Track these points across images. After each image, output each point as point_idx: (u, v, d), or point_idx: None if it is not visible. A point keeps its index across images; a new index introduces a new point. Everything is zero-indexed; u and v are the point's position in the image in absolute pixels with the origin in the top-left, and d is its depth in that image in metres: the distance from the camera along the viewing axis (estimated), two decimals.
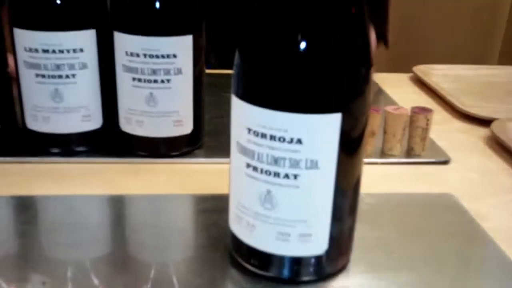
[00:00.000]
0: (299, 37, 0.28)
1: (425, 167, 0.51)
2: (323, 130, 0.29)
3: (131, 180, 0.47)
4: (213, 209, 0.41)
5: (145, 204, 0.43)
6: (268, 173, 0.30)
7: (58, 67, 0.45)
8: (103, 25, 0.46)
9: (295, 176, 0.30)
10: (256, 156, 0.30)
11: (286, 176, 0.30)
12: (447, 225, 0.40)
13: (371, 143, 0.50)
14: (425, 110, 0.50)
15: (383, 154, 0.51)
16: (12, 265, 0.35)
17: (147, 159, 0.49)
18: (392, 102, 0.66)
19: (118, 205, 0.43)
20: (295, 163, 0.30)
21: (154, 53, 0.45)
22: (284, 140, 0.29)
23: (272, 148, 0.30)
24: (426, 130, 0.50)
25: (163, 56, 0.45)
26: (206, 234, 0.39)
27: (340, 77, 0.29)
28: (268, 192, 0.31)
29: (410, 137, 0.51)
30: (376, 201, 0.43)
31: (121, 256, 0.36)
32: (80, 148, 0.49)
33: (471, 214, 0.42)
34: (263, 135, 0.30)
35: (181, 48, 0.45)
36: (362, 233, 0.38)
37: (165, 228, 0.40)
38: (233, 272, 0.34)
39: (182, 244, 0.38)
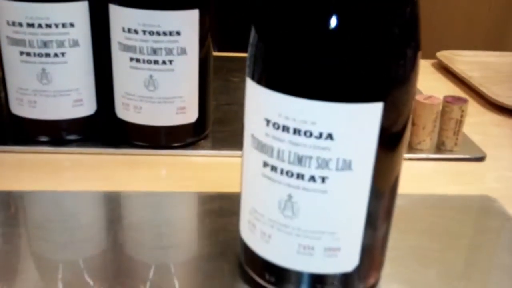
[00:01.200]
0: (333, 8, 0.23)
1: (458, 164, 0.45)
2: (360, 123, 0.24)
3: (128, 174, 0.41)
4: (221, 210, 0.36)
5: (143, 202, 0.38)
6: (290, 174, 0.25)
7: (45, 44, 0.40)
8: None
9: (323, 179, 0.25)
10: (275, 154, 0.25)
11: (312, 178, 0.25)
12: (489, 232, 0.35)
13: None
14: (460, 100, 0.45)
15: (410, 148, 0.46)
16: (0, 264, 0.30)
17: (146, 151, 0.44)
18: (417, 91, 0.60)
19: (113, 203, 0.38)
20: (323, 163, 0.24)
21: (155, 29, 0.39)
22: (311, 134, 0.24)
23: (296, 144, 0.24)
24: (460, 122, 0.45)
25: (165, 34, 0.39)
26: (213, 241, 0.33)
27: (384, 58, 0.23)
28: (289, 197, 0.25)
29: (442, 130, 0.45)
30: (406, 203, 0.38)
31: (116, 255, 0.31)
32: (71, 137, 0.44)
33: None
34: (285, 128, 0.24)
35: (185, 24, 0.40)
36: (393, 243, 0.33)
37: (165, 232, 0.34)
38: (241, 286, 0.29)
39: (184, 252, 0.33)
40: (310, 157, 0.24)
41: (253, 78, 0.25)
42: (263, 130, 0.25)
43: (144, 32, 0.39)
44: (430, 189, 0.41)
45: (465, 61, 0.70)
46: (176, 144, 0.44)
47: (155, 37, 0.39)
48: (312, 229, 0.26)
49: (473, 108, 0.58)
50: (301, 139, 0.24)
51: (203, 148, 0.45)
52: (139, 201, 0.38)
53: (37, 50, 0.40)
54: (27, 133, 0.44)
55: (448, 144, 0.46)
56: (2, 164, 0.42)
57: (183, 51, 0.41)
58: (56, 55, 0.40)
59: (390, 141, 0.25)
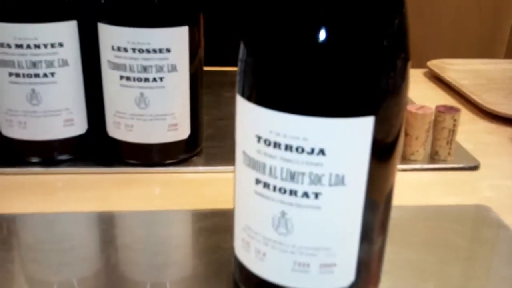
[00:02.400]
0: (322, 23, 0.22)
1: (452, 173, 0.45)
2: (351, 137, 0.23)
3: (121, 193, 0.41)
4: (215, 228, 0.36)
5: (137, 222, 0.37)
6: (282, 191, 0.25)
7: (34, 64, 0.40)
8: (86, 16, 0.40)
9: (316, 195, 0.24)
10: (267, 171, 0.25)
11: (305, 195, 0.24)
12: (485, 243, 0.35)
13: None
14: (452, 109, 0.45)
15: (404, 159, 0.46)
16: None
17: (139, 169, 0.43)
18: (409, 101, 0.61)
19: (107, 223, 0.38)
20: (316, 179, 0.24)
21: (144, 47, 0.39)
22: (303, 150, 0.24)
23: (288, 160, 0.24)
24: (453, 132, 0.45)
25: (154, 51, 0.39)
26: (207, 259, 0.33)
27: (373, 73, 0.23)
28: (283, 214, 0.25)
29: (435, 139, 0.45)
30: (402, 215, 0.38)
31: (110, 275, 0.31)
32: (63, 157, 0.44)
33: (510, 227, 0.36)
34: (277, 145, 0.24)
35: (175, 41, 0.40)
36: (389, 256, 0.33)
37: (160, 251, 0.34)
38: None
39: (179, 271, 0.32)
40: (303, 173, 0.24)
41: (242, 94, 0.25)
42: (254, 147, 0.25)
43: (133, 50, 0.39)
44: (425, 200, 0.41)
45: (456, 69, 0.71)
46: (169, 161, 0.44)
47: (145, 55, 0.39)
48: (307, 246, 0.25)
49: (466, 117, 0.58)
50: (293, 155, 0.24)
51: (196, 164, 0.45)
52: (133, 221, 0.37)
53: (26, 71, 0.40)
54: (18, 154, 0.43)
55: (441, 154, 0.46)
56: None
57: (173, 68, 0.40)
58: (45, 75, 0.40)
59: (383, 154, 0.25)
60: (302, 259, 0.26)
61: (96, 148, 0.44)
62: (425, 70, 0.73)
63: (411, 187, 0.43)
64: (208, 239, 0.35)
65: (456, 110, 0.45)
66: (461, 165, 0.45)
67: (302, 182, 0.24)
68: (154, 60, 0.40)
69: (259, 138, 0.25)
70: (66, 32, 0.40)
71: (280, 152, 0.24)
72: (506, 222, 0.37)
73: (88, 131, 0.44)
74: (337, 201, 0.25)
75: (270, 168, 0.25)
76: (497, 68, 0.73)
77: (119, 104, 0.41)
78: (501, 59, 1.19)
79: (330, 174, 0.24)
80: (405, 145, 0.46)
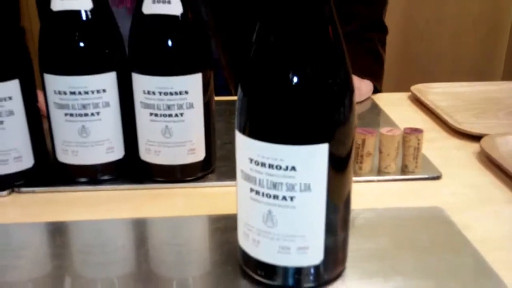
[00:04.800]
0: (288, 88, 0.33)
1: (418, 183, 0.55)
2: (313, 158, 0.34)
3: (151, 204, 0.52)
4: (224, 228, 0.46)
5: (164, 226, 0.48)
6: (268, 196, 0.35)
7: (84, 106, 0.51)
8: (123, 68, 0.52)
9: (292, 198, 0.35)
10: (257, 182, 0.36)
11: (284, 198, 0.35)
12: (434, 236, 0.45)
13: (368, 162, 0.55)
14: (416, 131, 0.55)
15: (380, 172, 0.56)
16: (49, 283, 0.40)
17: (165, 185, 0.55)
18: (390, 122, 0.71)
19: (140, 228, 0.48)
20: (291, 187, 0.35)
21: (168, 90, 0.51)
22: (280, 168, 0.34)
23: (271, 175, 0.35)
24: (417, 149, 0.55)
25: (176, 93, 0.51)
26: (219, 251, 0.44)
27: (324, 116, 0.34)
28: (269, 212, 0.36)
29: (404, 155, 0.56)
30: (372, 216, 0.48)
31: (144, 273, 0.41)
32: (105, 177, 0.55)
33: (457, 225, 0.46)
34: (263, 164, 0.35)
35: (191, 85, 0.51)
36: (358, 245, 0.43)
37: (183, 246, 0.45)
38: (244, 283, 0.39)
39: (198, 261, 0.43)
40: (281, 183, 0.35)
41: (239, 129, 0.36)
42: (248, 166, 0.36)
43: (160, 93, 0.51)
44: (395, 204, 0.51)
45: (437, 92, 0.81)
46: (189, 178, 0.55)
47: (168, 96, 0.51)
48: (287, 234, 0.36)
49: (439, 134, 0.68)
50: (274, 171, 0.35)
51: (210, 180, 0.55)
52: (161, 225, 0.48)
53: (78, 111, 0.51)
54: (70, 176, 0.55)
55: (410, 167, 0.56)
56: (51, 201, 0.53)
57: (191, 106, 0.52)
58: (92, 114, 0.52)
59: (338, 168, 0.36)
60: (284, 244, 0.36)
61: (131, 169, 0.56)
62: (410, 93, 0.83)
63: (384, 194, 0.53)
64: (220, 236, 0.45)
65: (420, 131, 0.55)
66: (426, 176, 0.56)
67: (281, 189, 0.35)
68: (175, 100, 0.51)
69: (251, 159, 0.35)
70: (108, 81, 0.52)
71: (265, 169, 0.35)
72: (454, 220, 0.47)
73: (125, 156, 0.55)
74: (307, 202, 0.35)
75: (259, 180, 0.35)
76: (474, 90, 0.83)
77: (149, 134, 0.53)
78: (497, 81, 1.28)
79: (300, 184, 0.35)
80: (379, 160, 0.56)
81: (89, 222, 0.49)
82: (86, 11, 0.50)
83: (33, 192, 0.54)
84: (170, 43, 0.50)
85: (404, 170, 0.56)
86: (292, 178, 0.35)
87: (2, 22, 0.50)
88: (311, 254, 0.37)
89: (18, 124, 0.52)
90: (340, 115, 0.35)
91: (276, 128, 0.34)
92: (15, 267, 0.42)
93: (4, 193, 0.53)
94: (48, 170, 0.56)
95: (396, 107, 0.78)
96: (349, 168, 0.37)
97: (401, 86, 0.86)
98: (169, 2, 0.49)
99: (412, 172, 0.56)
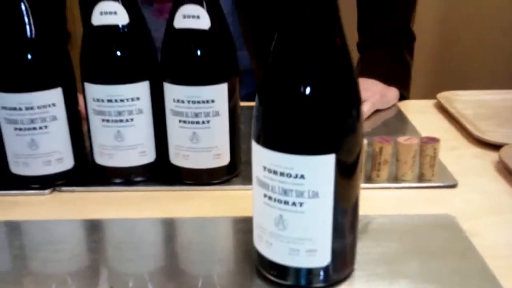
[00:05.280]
0: (297, 102, 0.37)
1: (434, 190, 0.57)
2: (320, 168, 0.37)
3: (180, 204, 0.56)
4: (246, 229, 0.50)
5: (191, 226, 0.52)
6: (279, 201, 0.39)
7: (119, 113, 0.56)
8: (155, 77, 0.56)
9: (301, 204, 0.38)
10: (270, 188, 0.39)
11: (294, 204, 0.38)
12: (442, 242, 0.47)
13: (385, 170, 0.58)
14: (433, 140, 0.57)
15: (397, 179, 0.58)
16: (85, 275, 0.45)
17: (193, 187, 0.58)
18: (413, 130, 0.73)
19: (169, 226, 0.53)
20: (300, 194, 0.38)
21: (196, 99, 0.54)
22: (290, 176, 0.38)
23: (282, 182, 0.38)
24: (434, 158, 0.57)
25: (203, 102, 0.54)
26: (239, 250, 0.47)
27: (329, 129, 0.37)
28: (281, 216, 0.39)
29: (421, 164, 0.58)
30: (385, 221, 0.50)
31: (172, 269, 0.45)
32: (138, 179, 0.59)
33: (466, 232, 0.48)
34: (275, 172, 0.38)
35: (217, 94, 0.55)
36: (368, 249, 0.46)
37: (208, 245, 0.48)
38: (259, 282, 0.43)
39: (220, 259, 0.47)
40: (291, 190, 0.38)
41: (255, 139, 0.40)
42: (262, 173, 0.39)
43: (188, 101, 0.55)
44: (409, 211, 0.53)
45: (463, 100, 0.82)
46: (214, 181, 0.59)
47: (196, 105, 0.55)
48: (297, 237, 0.39)
49: (460, 143, 0.69)
50: (285, 179, 0.38)
51: (235, 183, 0.59)
52: (189, 224, 0.52)
53: (113, 118, 0.56)
54: (106, 177, 0.60)
55: (426, 175, 0.58)
56: (88, 199, 0.57)
57: (217, 113, 0.55)
58: (127, 120, 0.56)
59: (345, 177, 0.39)
60: (294, 246, 0.39)
61: (162, 172, 0.60)
62: (436, 101, 0.84)
63: (400, 201, 0.55)
64: (242, 237, 0.49)
65: (436, 140, 0.57)
66: (441, 184, 0.57)
67: (291, 196, 0.38)
68: (203, 108, 0.55)
69: (264, 167, 0.39)
70: (141, 89, 0.56)
71: (277, 177, 0.38)
72: (464, 227, 0.49)
73: (156, 159, 0.59)
74: (315, 208, 0.38)
75: (271, 187, 0.39)
76: (500, 98, 0.83)
77: (178, 140, 0.57)
78: None
79: (309, 191, 0.38)
80: (397, 168, 0.58)
81: (122, 220, 0.53)
82: (123, 26, 0.55)
83: (73, 191, 0.59)
84: (198, 55, 0.54)
85: (421, 178, 0.58)
86: (301, 186, 0.38)
87: (48, 33, 0.55)
88: (320, 256, 0.40)
89: (60, 129, 0.57)
90: (345, 128, 0.38)
91: (286, 139, 0.37)
92: (54, 260, 0.46)
93: (47, 191, 0.58)
94: (87, 171, 0.61)
95: (421, 114, 0.79)
96: (356, 175, 0.40)
97: (436, 91, 0.86)
98: (198, 17, 0.53)
99: (429, 180, 0.58)
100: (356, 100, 0.38)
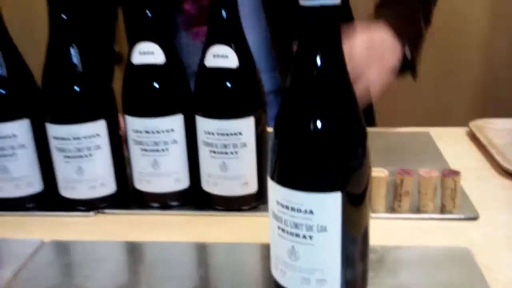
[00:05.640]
0: (304, 144, 0.40)
1: (454, 222, 0.58)
2: (328, 204, 0.40)
3: (211, 229, 0.60)
4: (269, 255, 0.53)
5: (221, 250, 0.56)
6: (291, 234, 0.42)
7: (156, 143, 0.61)
8: (188, 111, 0.61)
9: (310, 237, 0.41)
10: (283, 221, 0.42)
11: (304, 236, 0.41)
12: (454, 275, 0.49)
13: (406, 201, 0.60)
14: (453, 173, 0.59)
15: (418, 210, 0.60)
16: None
17: (223, 212, 0.62)
18: (440, 159, 0.74)
19: (201, 250, 0.57)
20: (309, 228, 0.41)
21: (224, 132, 0.59)
22: (300, 211, 0.41)
23: (293, 216, 0.41)
24: (454, 190, 0.58)
25: (231, 134, 0.59)
26: (262, 276, 0.51)
27: (335, 169, 0.40)
28: (293, 247, 0.42)
29: (442, 195, 0.59)
30: (401, 252, 0.53)
31: None
32: (173, 203, 0.64)
33: (480, 266, 0.50)
34: (287, 207, 0.41)
35: (245, 127, 0.59)
36: (380, 279, 0.48)
37: (236, 269, 0.52)
38: None
39: (245, 283, 0.50)
40: (302, 224, 0.41)
41: (269, 175, 0.43)
42: (276, 207, 0.43)
43: (218, 133, 0.59)
44: (428, 241, 0.55)
45: (496, 128, 0.82)
46: (243, 208, 0.63)
47: (225, 137, 0.59)
48: (308, 267, 0.42)
49: (488, 173, 0.70)
50: (296, 213, 0.41)
51: (262, 210, 0.63)
52: (218, 249, 0.56)
53: (151, 147, 0.61)
54: (144, 201, 0.65)
55: (447, 207, 0.59)
56: (128, 221, 0.62)
57: (244, 144, 0.59)
58: (163, 150, 0.61)
59: (352, 212, 0.41)
60: (306, 275, 0.43)
61: (195, 198, 0.64)
62: (468, 128, 0.85)
63: (419, 232, 0.57)
64: (267, 263, 0.52)
65: (457, 173, 0.59)
66: (462, 216, 0.59)
67: (302, 229, 0.41)
68: (231, 139, 0.59)
69: (277, 202, 0.42)
70: (176, 122, 0.61)
71: (289, 211, 0.41)
72: (479, 261, 0.50)
73: (189, 186, 0.64)
74: (324, 241, 0.41)
75: (284, 220, 0.42)
76: None
77: (210, 168, 0.61)
78: None
79: (317, 225, 0.41)
80: (418, 199, 0.60)
81: (158, 243, 0.58)
82: (160, 65, 0.60)
83: (114, 213, 0.64)
84: (227, 91, 0.58)
85: (442, 209, 0.60)
86: (310, 220, 0.41)
87: (95, 72, 0.61)
88: (330, 286, 0.42)
89: (104, 157, 0.62)
90: (350, 168, 0.41)
91: (295, 177, 0.41)
92: (95, 278, 0.51)
93: (91, 213, 0.64)
94: (127, 195, 0.66)
95: (452, 143, 0.80)
96: (364, 208, 0.42)
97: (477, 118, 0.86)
98: (226, 57, 0.58)
99: (450, 212, 0.59)
100: (361, 141, 0.41)
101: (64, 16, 0.59)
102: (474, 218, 0.59)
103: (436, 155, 0.76)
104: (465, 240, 0.55)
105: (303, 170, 0.40)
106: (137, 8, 0.59)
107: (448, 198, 0.59)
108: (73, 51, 0.60)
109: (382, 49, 0.79)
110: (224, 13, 0.57)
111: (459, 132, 0.85)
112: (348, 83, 0.41)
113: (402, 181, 0.59)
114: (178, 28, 0.96)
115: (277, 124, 0.42)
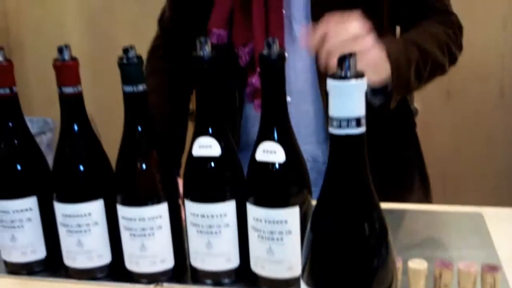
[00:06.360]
0: (326, 265, 0.45)
1: None
2: None
3: None
4: None
5: None
6: None
7: (210, 226, 0.67)
8: (240, 198, 0.67)
9: None
10: None
11: None
12: None
13: None
14: (493, 269, 0.60)
15: None
16: None
17: None
18: (489, 244, 0.74)
19: None
20: None
21: (271, 219, 0.64)
22: None
23: None
24: (494, 285, 0.59)
25: (277, 222, 0.64)
26: None
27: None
28: None
29: None
30: None
31: None
32: (225, 281, 0.70)
33: None
34: None
35: (290, 216, 0.64)
36: None
37: None
38: None
39: None
40: None
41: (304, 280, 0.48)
42: None
43: (265, 221, 0.64)
44: None
45: None
46: None
47: (271, 224, 0.64)
48: None
49: None
50: None
51: None
52: None
53: (205, 229, 0.67)
54: (199, 277, 0.71)
55: None
56: None
57: (289, 232, 0.64)
58: (216, 232, 0.67)
59: None
60: None
61: (244, 277, 0.69)
62: None
63: None
64: None
65: (497, 269, 0.60)
66: None
67: None
68: (277, 227, 0.64)
69: None
70: (228, 208, 0.67)
71: None
72: None
73: (239, 266, 0.69)
74: None
75: None
76: None
77: (257, 252, 0.66)
78: None
79: None
80: None
81: None
82: (216, 157, 0.67)
83: (172, 287, 0.70)
84: (275, 184, 0.64)
85: None
86: None
87: (162, 161, 0.69)
88: None
89: (164, 236, 0.70)
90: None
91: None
92: None
93: (151, 285, 0.71)
94: (184, 271, 0.72)
95: (503, 225, 0.80)
96: None
97: None
98: (274, 152, 0.63)
99: None
100: (379, 266, 0.45)
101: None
102: None
103: (485, 239, 0.76)
104: None
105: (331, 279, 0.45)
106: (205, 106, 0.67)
107: None
108: (144, 142, 0.68)
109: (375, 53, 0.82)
110: (274, 114, 0.63)
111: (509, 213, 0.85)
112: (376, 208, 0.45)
113: (440, 274, 0.61)
114: (244, 100, 1.04)
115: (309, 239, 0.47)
